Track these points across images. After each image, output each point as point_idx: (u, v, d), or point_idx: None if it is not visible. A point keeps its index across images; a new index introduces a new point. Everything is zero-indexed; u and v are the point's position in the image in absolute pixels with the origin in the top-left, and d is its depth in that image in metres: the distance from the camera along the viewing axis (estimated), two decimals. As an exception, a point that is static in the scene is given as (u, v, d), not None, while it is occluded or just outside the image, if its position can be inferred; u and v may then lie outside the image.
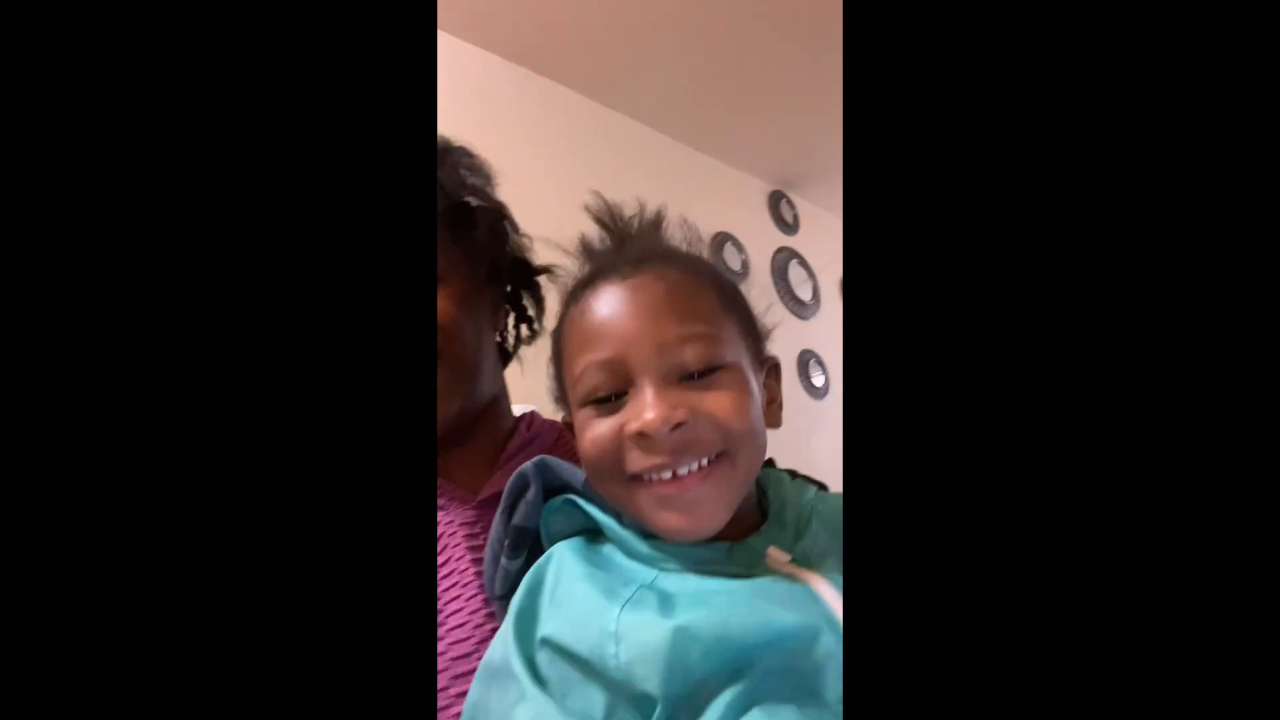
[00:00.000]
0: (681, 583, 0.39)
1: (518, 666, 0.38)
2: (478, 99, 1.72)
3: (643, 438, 0.40)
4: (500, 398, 0.69)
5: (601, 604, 0.38)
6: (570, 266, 0.49)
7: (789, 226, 2.54)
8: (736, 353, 0.43)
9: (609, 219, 0.49)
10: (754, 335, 0.47)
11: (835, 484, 0.74)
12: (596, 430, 0.42)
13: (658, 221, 0.49)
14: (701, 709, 0.34)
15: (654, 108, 2.08)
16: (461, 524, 0.58)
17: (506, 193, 0.70)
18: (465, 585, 0.55)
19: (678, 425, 0.39)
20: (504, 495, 0.49)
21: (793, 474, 0.53)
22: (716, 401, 0.40)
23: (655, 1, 1.71)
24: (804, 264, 2.50)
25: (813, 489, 0.48)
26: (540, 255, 0.72)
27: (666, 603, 0.37)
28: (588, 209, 0.49)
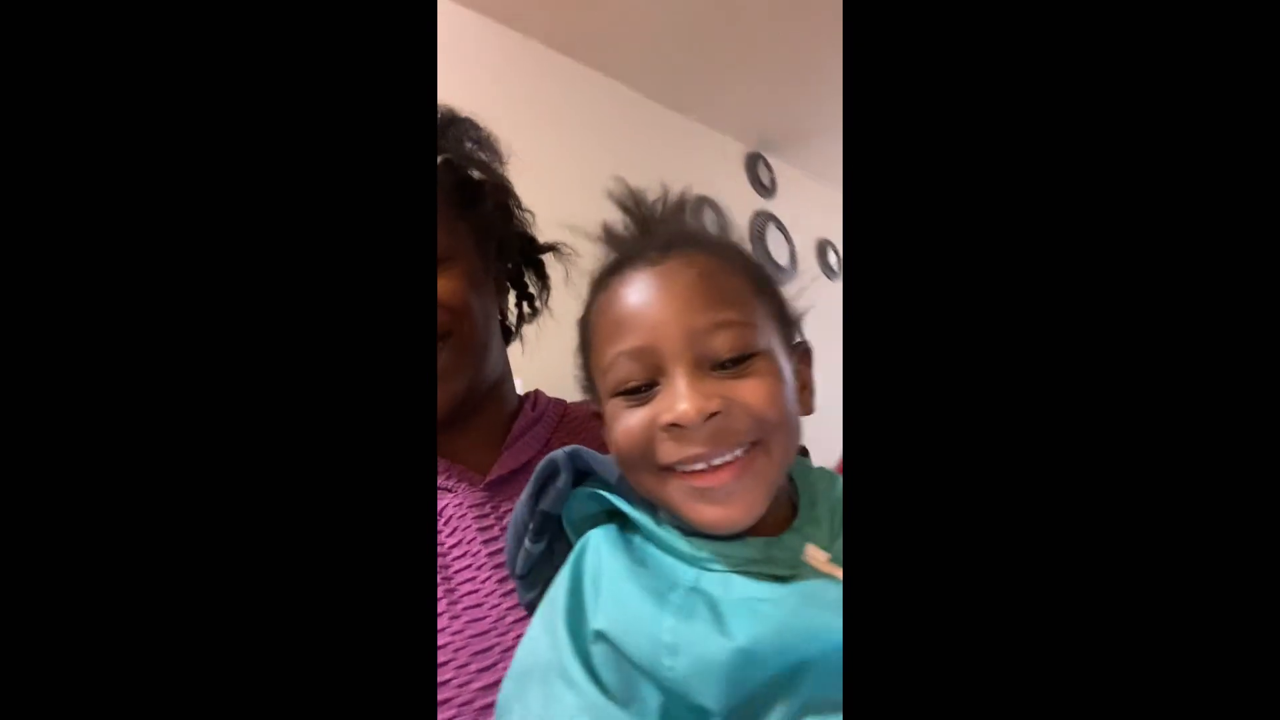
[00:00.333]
0: (725, 586, 0.39)
1: (575, 670, 0.38)
2: (451, 57, 1.65)
3: (676, 429, 0.39)
4: (505, 377, 0.68)
5: (651, 610, 0.38)
6: (578, 247, 0.48)
7: (766, 189, 2.52)
8: (768, 338, 0.42)
9: (632, 203, 0.47)
10: (785, 320, 0.46)
11: (812, 444, 0.75)
12: (628, 422, 0.41)
13: (682, 204, 0.48)
14: (757, 717, 0.35)
15: (630, 67, 2.03)
16: (471, 505, 0.58)
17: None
18: (479, 568, 0.55)
19: (711, 415, 0.38)
20: (532, 478, 0.48)
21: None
22: (750, 390, 0.40)
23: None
24: (781, 227, 2.50)
25: (840, 479, 0.48)
26: (543, 232, 0.71)
27: (716, 613, 0.37)
28: (610, 194, 0.47)
